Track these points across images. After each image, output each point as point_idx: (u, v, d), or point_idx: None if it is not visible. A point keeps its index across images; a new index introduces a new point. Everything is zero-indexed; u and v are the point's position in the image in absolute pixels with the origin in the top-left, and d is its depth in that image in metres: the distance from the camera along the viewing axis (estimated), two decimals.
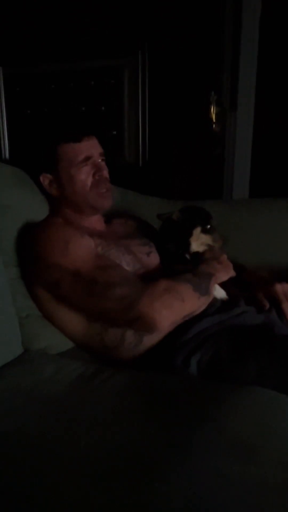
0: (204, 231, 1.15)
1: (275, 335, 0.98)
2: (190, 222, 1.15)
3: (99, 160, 1.15)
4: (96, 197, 1.13)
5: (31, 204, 1.15)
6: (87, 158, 1.12)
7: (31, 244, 1.04)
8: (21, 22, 2.49)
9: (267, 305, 1.07)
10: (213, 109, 2.32)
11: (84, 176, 1.12)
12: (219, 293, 1.10)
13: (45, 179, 1.15)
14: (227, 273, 1.12)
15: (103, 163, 1.16)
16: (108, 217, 1.31)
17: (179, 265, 1.12)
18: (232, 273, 1.13)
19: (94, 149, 1.14)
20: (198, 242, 1.15)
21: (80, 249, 1.01)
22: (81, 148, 1.12)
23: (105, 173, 1.16)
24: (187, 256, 1.16)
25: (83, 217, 1.17)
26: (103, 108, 2.50)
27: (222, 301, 1.09)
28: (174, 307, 0.96)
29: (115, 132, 2.50)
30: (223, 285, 1.12)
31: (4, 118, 2.65)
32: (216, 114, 2.32)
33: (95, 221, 1.20)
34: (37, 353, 1.02)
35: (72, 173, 1.11)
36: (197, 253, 1.16)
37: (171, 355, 0.96)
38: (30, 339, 1.04)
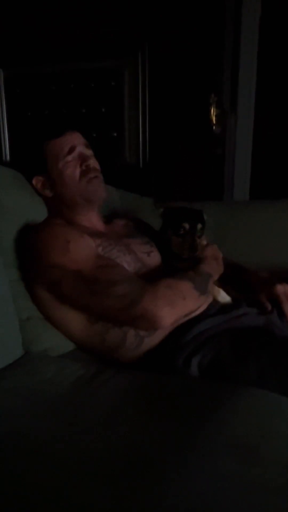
0: (176, 234, 1.12)
1: (276, 337, 0.98)
2: (168, 222, 1.16)
3: (84, 151, 1.15)
4: (86, 185, 1.12)
5: (31, 206, 1.15)
6: (72, 149, 1.12)
7: (31, 245, 1.04)
8: (22, 23, 2.50)
9: (270, 307, 1.07)
10: (213, 111, 2.32)
11: (72, 169, 1.12)
12: (224, 298, 1.09)
13: (38, 182, 1.15)
14: (219, 272, 1.12)
15: (89, 153, 1.16)
16: (109, 218, 1.31)
17: (181, 263, 1.12)
18: (221, 270, 1.13)
19: (77, 140, 1.15)
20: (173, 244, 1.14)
21: (81, 248, 1.01)
22: (64, 141, 1.12)
23: (92, 162, 1.15)
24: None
25: (81, 215, 1.17)
26: (103, 109, 2.50)
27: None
28: (176, 304, 0.96)
29: (115, 134, 2.50)
30: (224, 286, 1.12)
31: (5, 120, 2.65)
32: (216, 116, 2.33)
33: (95, 221, 1.20)
34: (37, 355, 1.02)
35: (60, 168, 1.11)
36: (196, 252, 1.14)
37: (172, 356, 0.96)
38: (30, 341, 1.04)
